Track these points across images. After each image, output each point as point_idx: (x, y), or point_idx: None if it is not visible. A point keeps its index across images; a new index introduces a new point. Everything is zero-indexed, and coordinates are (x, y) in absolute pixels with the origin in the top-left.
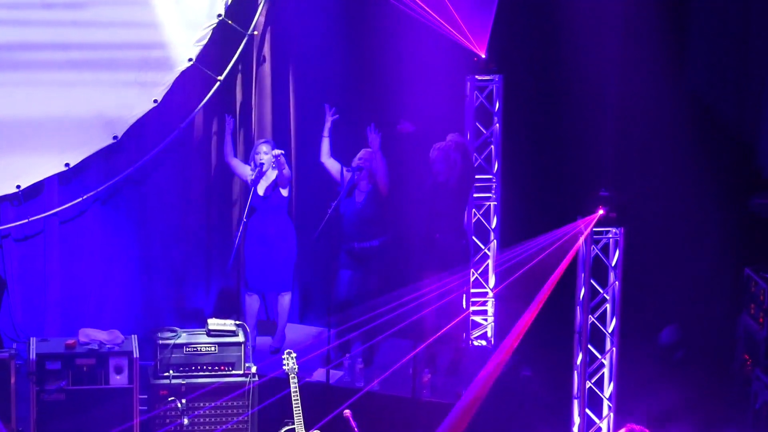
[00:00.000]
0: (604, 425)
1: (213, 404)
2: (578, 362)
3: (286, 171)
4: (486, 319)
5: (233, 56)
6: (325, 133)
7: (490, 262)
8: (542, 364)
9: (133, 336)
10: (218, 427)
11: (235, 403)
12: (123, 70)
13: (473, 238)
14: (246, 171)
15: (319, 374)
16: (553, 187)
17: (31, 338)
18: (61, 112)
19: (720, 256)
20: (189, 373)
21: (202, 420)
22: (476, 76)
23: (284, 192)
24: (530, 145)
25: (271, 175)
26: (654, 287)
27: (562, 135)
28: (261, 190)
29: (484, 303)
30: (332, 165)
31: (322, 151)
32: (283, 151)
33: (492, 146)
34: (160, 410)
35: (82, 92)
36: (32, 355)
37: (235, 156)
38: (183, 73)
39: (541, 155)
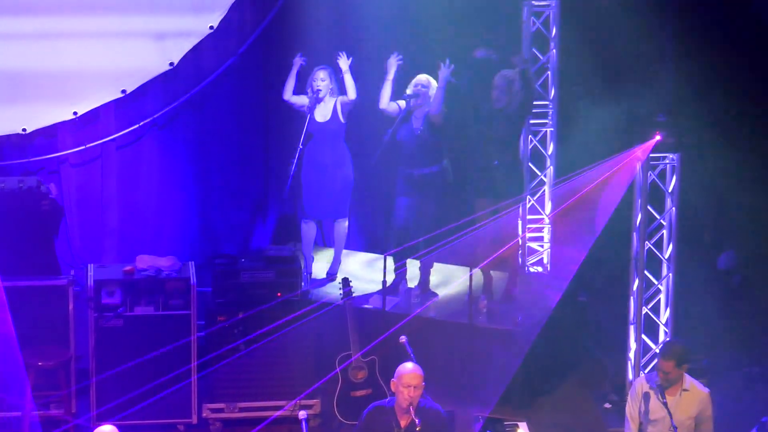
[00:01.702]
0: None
1: (269, 327)
2: (635, 288)
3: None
4: (542, 246)
5: None
6: (390, 75)
7: (546, 188)
8: (599, 290)
9: (190, 262)
10: (274, 350)
11: (291, 328)
12: None
13: (529, 164)
14: (303, 101)
15: (375, 300)
16: (610, 113)
17: (89, 264)
18: (117, 38)
19: None
20: (246, 299)
21: (258, 344)
22: (533, 1)
23: (342, 117)
24: (587, 71)
25: (329, 101)
26: (711, 213)
27: (619, 60)
28: (318, 116)
29: (540, 229)
30: (393, 108)
31: (383, 98)
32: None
33: (549, 72)
34: (216, 327)
35: (138, 18)
36: (90, 282)
37: (295, 93)
38: None
39: (597, 81)
